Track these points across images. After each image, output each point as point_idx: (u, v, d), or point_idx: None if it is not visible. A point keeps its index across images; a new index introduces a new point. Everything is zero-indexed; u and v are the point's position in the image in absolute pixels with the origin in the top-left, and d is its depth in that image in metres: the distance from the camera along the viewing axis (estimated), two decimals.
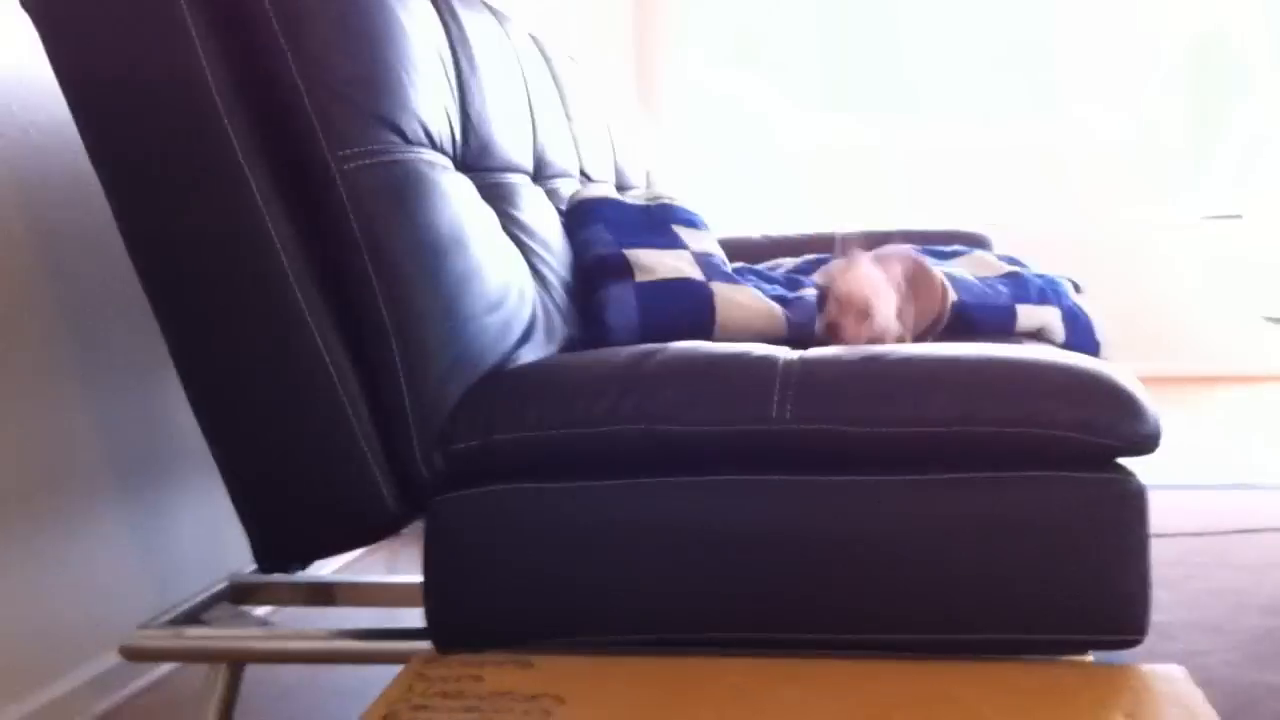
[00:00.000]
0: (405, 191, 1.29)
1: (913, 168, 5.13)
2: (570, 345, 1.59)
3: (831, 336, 1.42)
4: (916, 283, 1.52)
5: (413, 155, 1.33)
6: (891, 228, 2.52)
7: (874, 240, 2.25)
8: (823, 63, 5.19)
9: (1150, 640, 1.18)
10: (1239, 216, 4.91)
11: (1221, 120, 4.99)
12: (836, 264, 1.45)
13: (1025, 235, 3.40)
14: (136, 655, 1.44)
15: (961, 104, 5.15)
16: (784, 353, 1.26)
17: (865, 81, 5.19)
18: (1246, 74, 4.93)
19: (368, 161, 1.26)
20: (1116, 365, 1.25)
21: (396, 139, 1.31)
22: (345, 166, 1.25)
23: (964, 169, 5.12)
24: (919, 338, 1.63)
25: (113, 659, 1.74)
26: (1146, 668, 1.19)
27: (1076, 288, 2.01)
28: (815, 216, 4.63)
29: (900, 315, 1.44)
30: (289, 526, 1.32)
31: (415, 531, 1.30)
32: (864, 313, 1.38)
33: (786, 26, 5.15)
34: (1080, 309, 1.91)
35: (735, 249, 2.47)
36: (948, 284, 1.69)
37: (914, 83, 5.18)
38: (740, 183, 4.95)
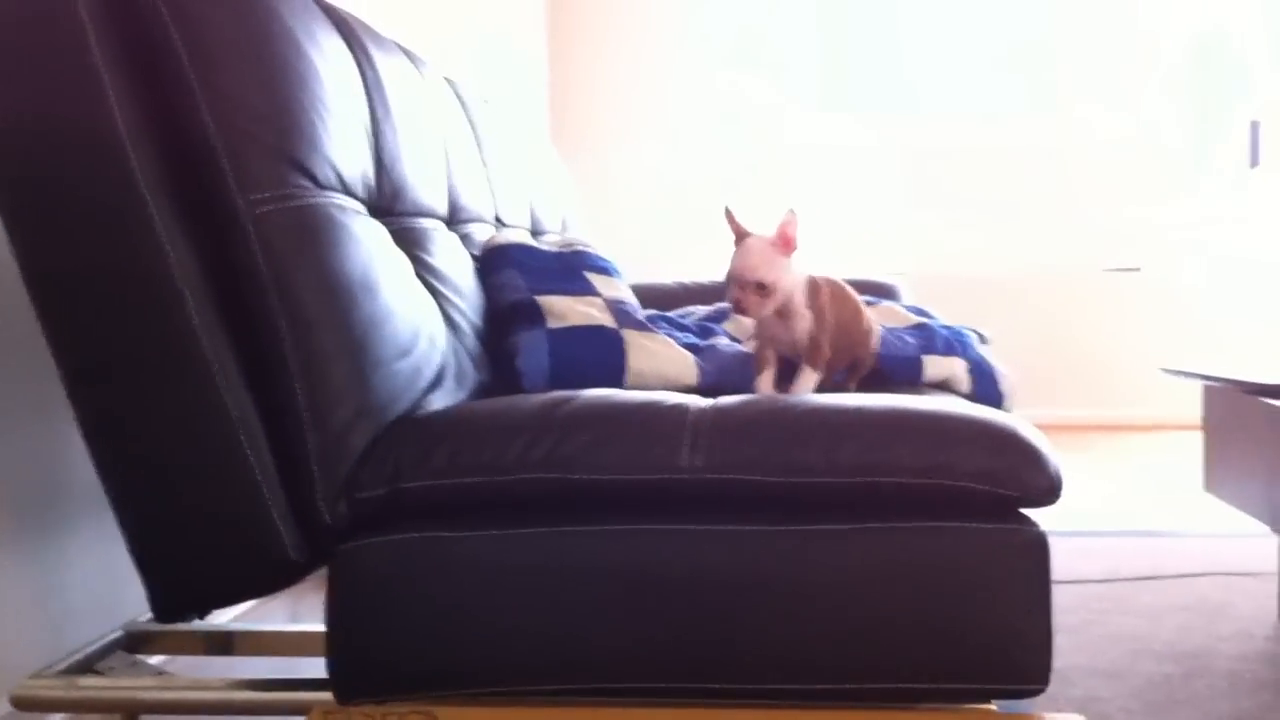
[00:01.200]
0: (315, 235, 1.28)
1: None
2: (481, 391, 1.57)
3: (736, 310, 1.45)
4: (843, 318, 1.54)
5: (324, 199, 1.31)
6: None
7: None
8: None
9: (1051, 687, 1.19)
10: (1138, 269, 5.05)
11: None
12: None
13: (929, 281, 3.49)
14: (28, 705, 1.39)
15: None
16: (695, 400, 1.27)
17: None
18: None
19: (278, 205, 1.25)
20: (1019, 417, 1.27)
21: (308, 182, 1.29)
22: (256, 210, 1.23)
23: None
24: (842, 381, 1.65)
25: (3, 708, 1.68)
26: (1049, 716, 1.21)
27: (982, 339, 2.05)
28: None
29: (817, 322, 1.46)
30: (186, 575, 1.29)
31: (318, 578, 1.28)
32: (759, 285, 1.40)
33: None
34: (985, 360, 1.95)
35: (649, 295, 2.48)
36: (876, 331, 1.70)
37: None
38: (666, 221, 4.96)
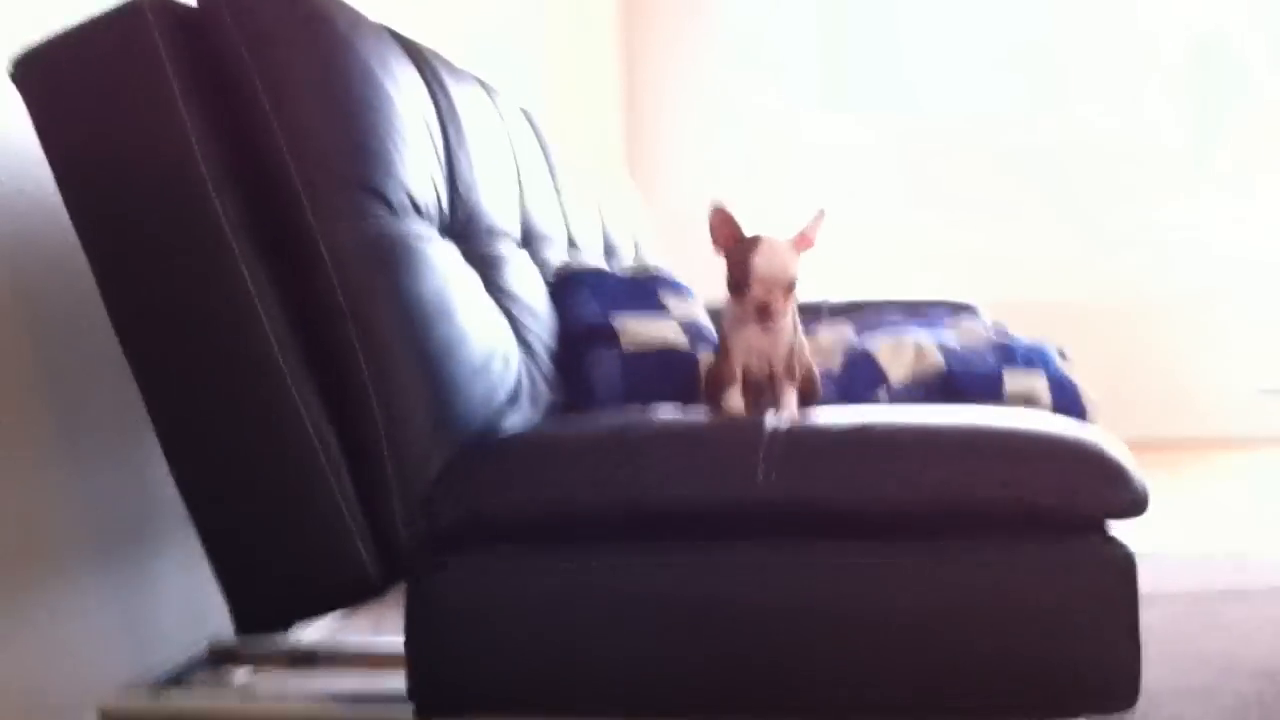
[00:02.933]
0: (391, 261, 1.30)
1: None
2: (555, 411, 1.58)
3: (762, 319, 1.34)
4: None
5: (399, 225, 1.33)
6: (879, 298, 2.53)
7: (860, 310, 2.27)
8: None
9: (1140, 707, 1.17)
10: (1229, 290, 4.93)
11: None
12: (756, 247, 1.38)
13: (1010, 302, 3.44)
14: (116, 718, 1.42)
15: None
16: (771, 420, 1.26)
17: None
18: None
19: (353, 231, 1.27)
20: (1102, 431, 1.25)
21: (383, 208, 1.31)
22: (331, 238, 1.26)
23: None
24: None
25: None
26: None
27: (1062, 355, 2.01)
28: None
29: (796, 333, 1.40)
30: (268, 593, 1.31)
31: (401, 593, 1.29)
32: (790, 286, 1.34)
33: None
34: (1066, 376, 1.92)
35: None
36: (816, 376, 1.53)
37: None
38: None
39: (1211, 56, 4.98)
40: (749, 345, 1.38)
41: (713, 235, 1.37)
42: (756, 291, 1.33)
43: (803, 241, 1.36)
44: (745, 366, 1.39)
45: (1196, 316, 4.95)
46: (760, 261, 1.33)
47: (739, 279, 1.34)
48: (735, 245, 1.35)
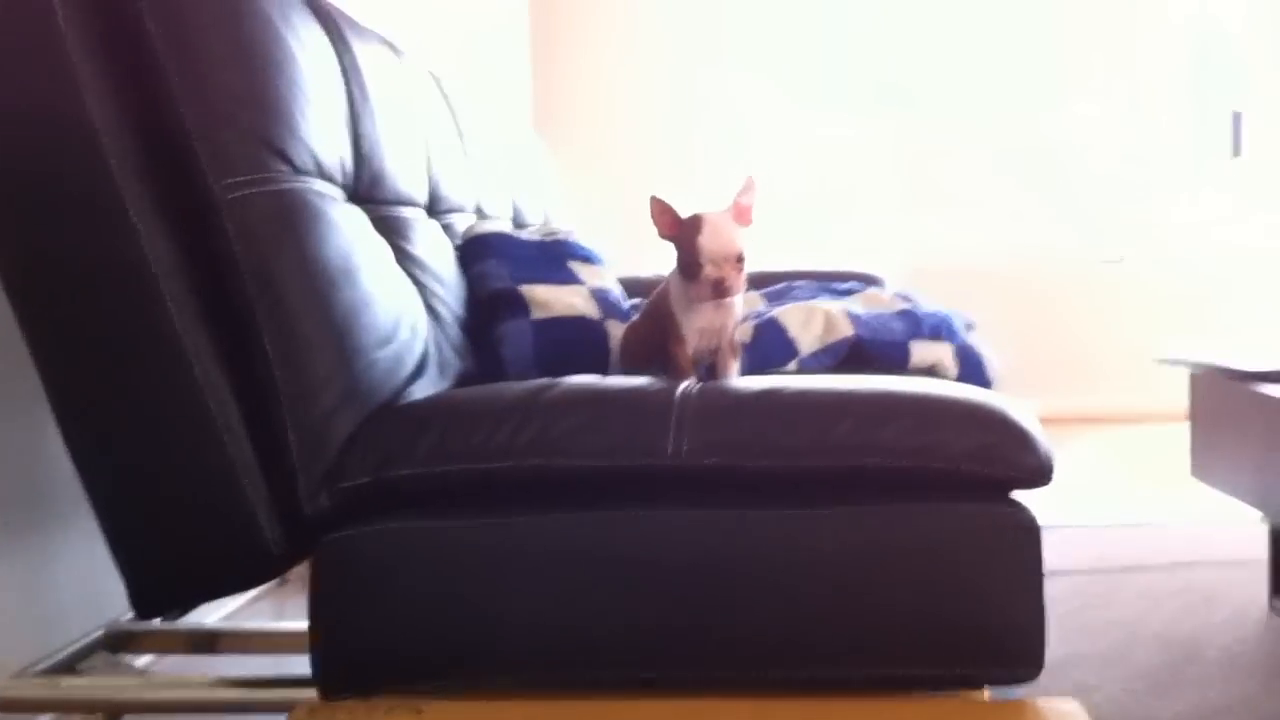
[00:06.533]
0: (293, 220, 1.26)
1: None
2: (463, 381, 1.55)
3: (717, 293, 1.32)
4: None
5: (301, 184, 1.29)
6: (790, 268, 2.53)
7: (773, 280, 2.26)
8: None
9: (1044, 676, 1.18)
10: (1121, 260, 5.05)
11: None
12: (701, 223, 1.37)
13: (918, 275, 3.48)
14: (9, 706, 1.38)
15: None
16: (681, 385, 1.25)
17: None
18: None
19: (254, 189, 1.23)
20: (1010, 398, 1.26)
21: (285, 166, 1.27)
22: (231, 194, 1.21)
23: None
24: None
25: None
26: (1042, 701, 1.19)
27: (969, 325, 2.03)
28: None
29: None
30: (164, 569, 1.27)
31: (302, 578, 1.26)
32: (739, 259, 1.32)
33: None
34: (972, 346, 1.93)
35: (634, 288, 2.46)
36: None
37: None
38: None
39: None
40: (703, 325, 1.37)
41: (656, 225, 1.36)
42: (709, 271, 1.32)
43: (740, 213, 1.35)
44: (695, 347, 1.38)
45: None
46: (706, 241, 1.32)
47: (690, 261, 1.33)
48: (679, 229, 1.34)
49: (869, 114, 5.22)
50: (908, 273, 2.96)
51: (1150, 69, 5.09)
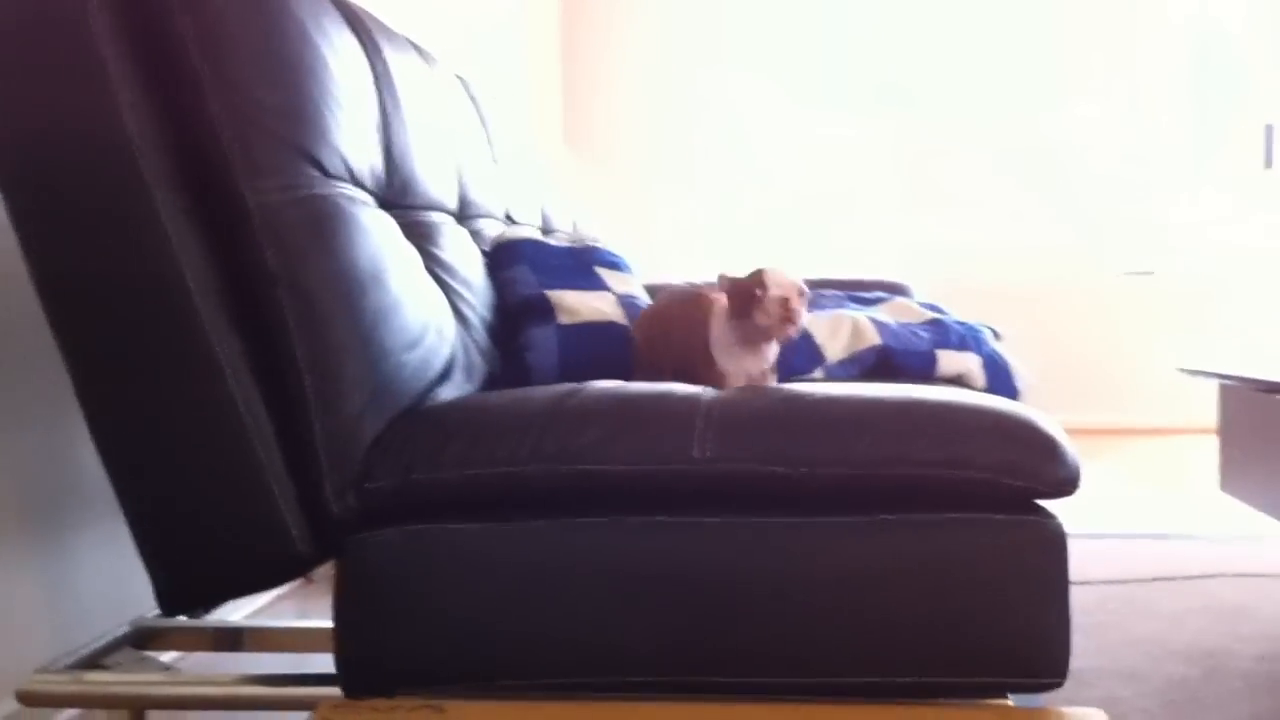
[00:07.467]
0: (324, 225, 1.27)
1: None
2: (490, 385, 1.56)
3: (786, 322, 1.37)
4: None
5: (332, 189, 1.30)
6: (818, 276, 2.53)
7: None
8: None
9: (1068, 687, 1.18)
10: (1152, 272, 5.02)
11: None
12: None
13: (942, 284, 3.47)
14: (34, 700, 1.38)
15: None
16: (707, 392, 1.25)
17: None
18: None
19: (285, 194, 1.23)
20: (1036, 409, 1.25)
21: (316, 172, 1.28)
22: (262, 198, 1.22)
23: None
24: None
25: (9, 705, 1.67)
26: (1067, 711, 1.19)
27: (996, 335, 2.03)
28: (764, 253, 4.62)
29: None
30: (191, 567, 1.27)
31: (327, 577, 1.26)
32: (803, 292, 1.37)
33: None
34: (999, 356, 1.93)
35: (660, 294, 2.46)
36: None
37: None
38: (682, 219, 4.96)
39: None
40: (743, 370, 1.41)
41: (728, 297, 1.41)
42: (774, 294, 1.36)
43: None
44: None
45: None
46: (772, 275, 1.36)
47: (745, 304, 1.37)
48: (738, 283, 1.39)
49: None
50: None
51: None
